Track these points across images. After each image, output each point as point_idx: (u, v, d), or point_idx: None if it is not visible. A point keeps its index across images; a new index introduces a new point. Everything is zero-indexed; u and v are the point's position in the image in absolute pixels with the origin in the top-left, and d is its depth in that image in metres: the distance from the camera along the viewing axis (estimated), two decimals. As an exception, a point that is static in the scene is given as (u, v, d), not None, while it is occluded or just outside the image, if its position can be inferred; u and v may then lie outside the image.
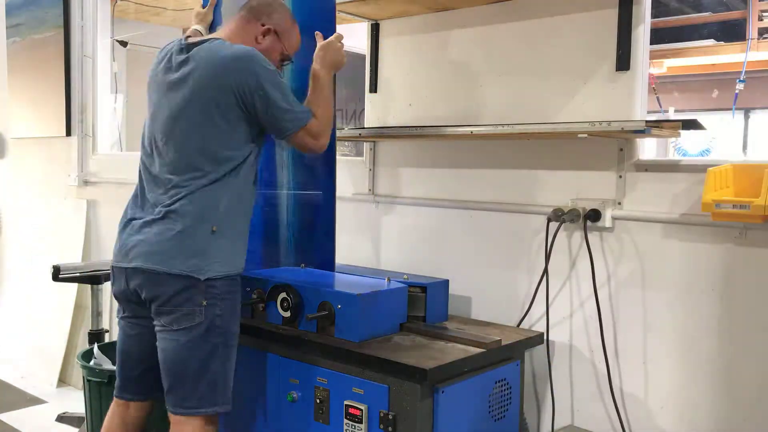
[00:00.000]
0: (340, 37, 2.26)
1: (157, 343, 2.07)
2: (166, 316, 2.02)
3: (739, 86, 4.12)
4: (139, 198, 2.15)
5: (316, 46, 2.26)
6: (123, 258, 2.09)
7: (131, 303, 2.15)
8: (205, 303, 2.00)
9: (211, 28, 2.47)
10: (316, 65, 2.19)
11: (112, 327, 4.03)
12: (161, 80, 2.12)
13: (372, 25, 2.87)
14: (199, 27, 2.45)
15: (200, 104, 2.02)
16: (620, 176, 2.26)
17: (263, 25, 2.16)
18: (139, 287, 2.06)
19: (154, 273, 2.00)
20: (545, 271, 2.39)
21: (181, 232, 2.00)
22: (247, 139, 2.07)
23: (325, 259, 2.53)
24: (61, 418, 3.57)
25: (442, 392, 1.95)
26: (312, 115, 2.09)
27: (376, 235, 2.89)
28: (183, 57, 2.08)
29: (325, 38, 2.26)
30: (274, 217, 2.58)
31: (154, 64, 2.19)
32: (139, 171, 2.19)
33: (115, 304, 4.21)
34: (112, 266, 2.15)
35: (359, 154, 3.17)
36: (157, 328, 2.06)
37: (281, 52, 2.20)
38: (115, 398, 2.25)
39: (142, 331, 2.16)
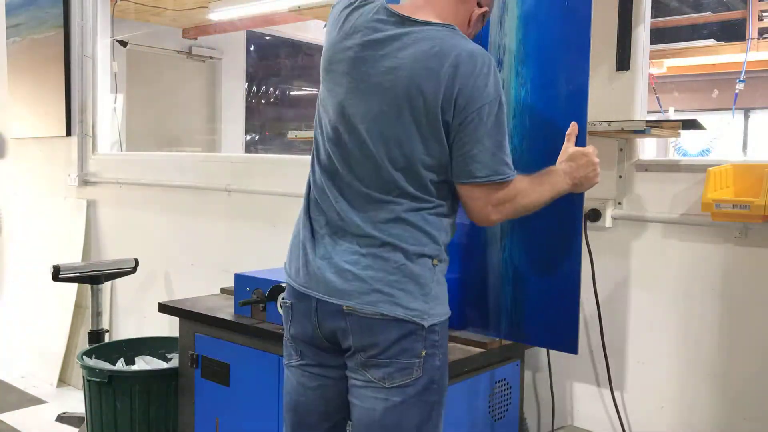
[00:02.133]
0: (596, 151, 1.80)
1: (354, 400, 1.66)
2: (377, 369, 1.61)
3: (739, 86, 4.11)
4: (332, 207, 1.67)
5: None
6: (315, 285, 1.65)
7: (319, 349, 1.71)
8: (424, 353, 1.61)
9: None
10: (560, 168, 1.76)
11: (112, 327, 4.03)
12: (360, 51, 1.63)
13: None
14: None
15: (417, 94, 1.57)
16: (620, 176, 2.26)
17: (480, 6, 1.72)
18: (342, 332, 1.63)
19: (368, 317, 1.60)
20: (545, 271, 2.39)
21: (404, 266, 1.60)
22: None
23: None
24: (61, 418, 3.57)
25: (442, 392, 1.95)
26: (512, 180, 1.61)
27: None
28: (399, 31, 1.60)
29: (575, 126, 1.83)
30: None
31: (345, 25, 1.66)
32: (322, 168, 1.70)
33: (116, 303, 4.22)
34: (295, 290, 1.69)
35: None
36: (357, 383, 1.65)
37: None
38: None
39: (325, 383, 1.73)
